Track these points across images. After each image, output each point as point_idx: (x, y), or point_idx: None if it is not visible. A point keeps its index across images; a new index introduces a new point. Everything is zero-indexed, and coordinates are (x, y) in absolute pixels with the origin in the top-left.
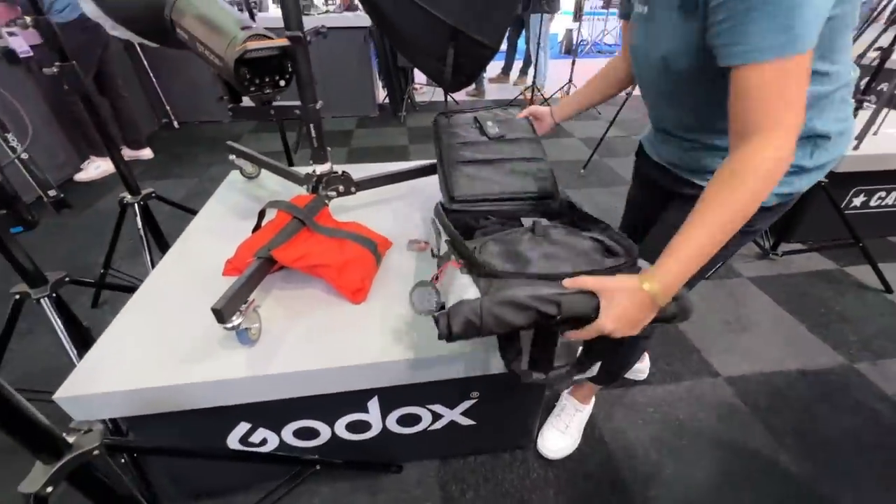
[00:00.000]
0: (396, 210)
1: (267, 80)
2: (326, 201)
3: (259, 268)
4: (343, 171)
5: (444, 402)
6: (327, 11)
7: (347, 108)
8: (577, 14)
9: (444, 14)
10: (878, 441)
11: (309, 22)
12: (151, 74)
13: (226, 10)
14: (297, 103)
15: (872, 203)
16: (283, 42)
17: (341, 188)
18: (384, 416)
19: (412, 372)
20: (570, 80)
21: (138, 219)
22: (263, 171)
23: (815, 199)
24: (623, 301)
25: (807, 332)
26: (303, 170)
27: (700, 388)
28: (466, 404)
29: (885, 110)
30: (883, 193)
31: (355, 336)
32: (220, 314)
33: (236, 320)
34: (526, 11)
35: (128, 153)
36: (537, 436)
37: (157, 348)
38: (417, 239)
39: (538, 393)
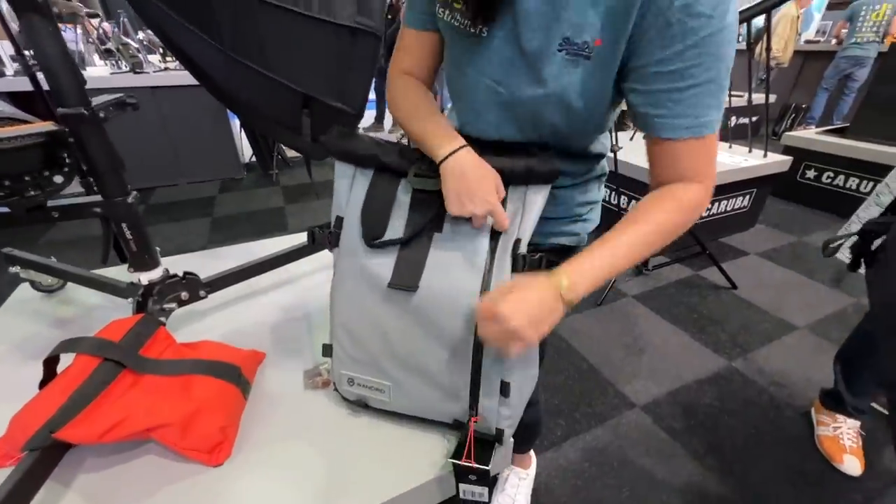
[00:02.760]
0: (268, 306)
1: (27, 179)
2: (162, 319)
3: (37, 463)
4: (185, 273)
5: None
6: (167, 69)
7: (207, 172)
8: None
9: (285, 78)
10: (770, 434)
11: (144, 81)
12: None
13: None
14: (96, 198)
15: (703, 213)
16: (46, 126)
17: (184, 296)
18: None
19: None
20: None
21: None
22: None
23: None
24: (531, 292)
25: (690, 341)
26: (126, 276)
27: (624, 425)
28: None
29: None
30: (710, 205)
31: None
32: None
33: None
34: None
35: None
36: None
37: None
38: (317, 368)
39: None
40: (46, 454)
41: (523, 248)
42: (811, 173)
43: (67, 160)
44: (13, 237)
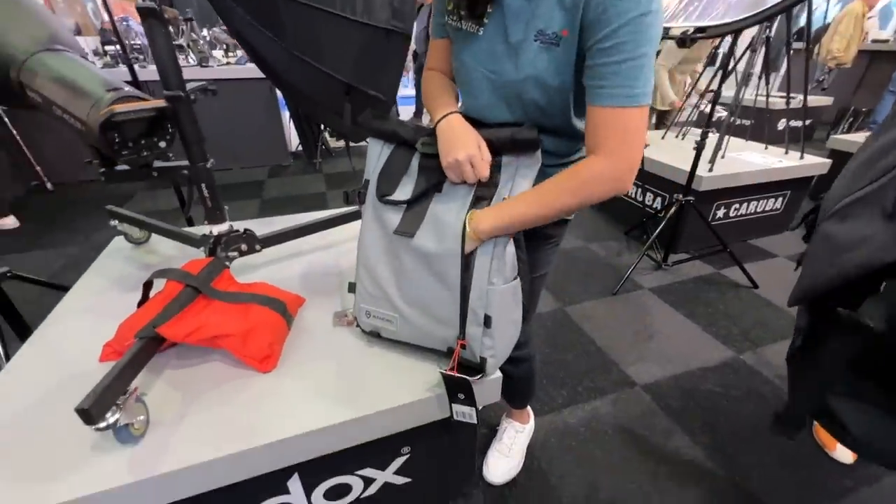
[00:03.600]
0: (309, 264)
1: (143, 142)
2: (227, 263)
3: (141, 350)
4: (245, 229)
5: (374, 465)
6: (228, 63)
7: (258, 158)
8: None
9: (332, 70)
10: (768, 421)
11: (208, 74)
12: (14, 131)
13: (88, 70)
14: (185, 163)
15: (731, 214)
16: (158, 103)
17: (243, 247)
18: (308, 493)
19: (334, 439)
20: None
21: None
22: (155, 234)
23: (688, 215)
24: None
25: (701, 332)
26: (199, 230)
27: (622, 400)
28: (399, 461)
29: (726, 137)
30: (737, 205)
31: (265, 410)
32: (88, 414)
33: (112, 417)
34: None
35: None
36: (482, 465)
37: (8, 468)
38: (344, 311)
39: (471, 436)
40: (149, 343)
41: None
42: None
43: (170, 130)
44: (98, 211)
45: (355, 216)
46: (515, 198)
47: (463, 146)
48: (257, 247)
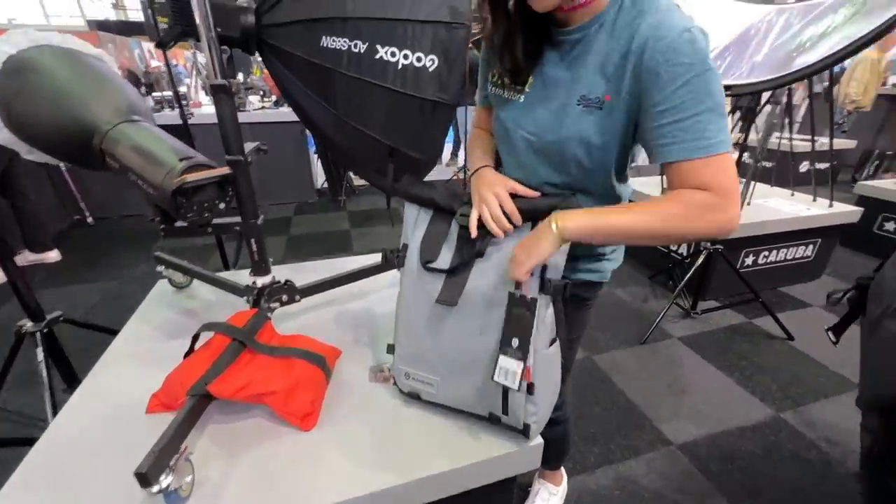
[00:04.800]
0: (343, 312)
1: (206, 205)
2: (269, 315)
3: (193, 408)
4: (286, 281)
5: None
6: (263, 108)
7: (285, 195)
8: None
9: (379, 135)
10: (816, 490)
11: (244, 118)
12: (62, 165)
13: (163, 140)
14: (237, 220)
15: (760, 261)
16: (223, 171)
17: (284, 298)
18: None
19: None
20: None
21: (39, 350)
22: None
23: (717, 262)
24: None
25: (735, 386)
26: (242, 279)
27: (658, 461)
28: None
29: (752, 183)
30: (766, 252)
31: (307, 471)
32: (145, 478)
33: (165, 480)
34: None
35: (30, 257)
36: None
37: None
38: (380, 366)
39: (507, 493)
40: (200, 400)
41: (552, 275)
42: (890, 225)
43: (230, 192)
44: (135, 246)
45: (388, 267)
46: (608, 207)
47: (490, 189)
48: (297, 297)
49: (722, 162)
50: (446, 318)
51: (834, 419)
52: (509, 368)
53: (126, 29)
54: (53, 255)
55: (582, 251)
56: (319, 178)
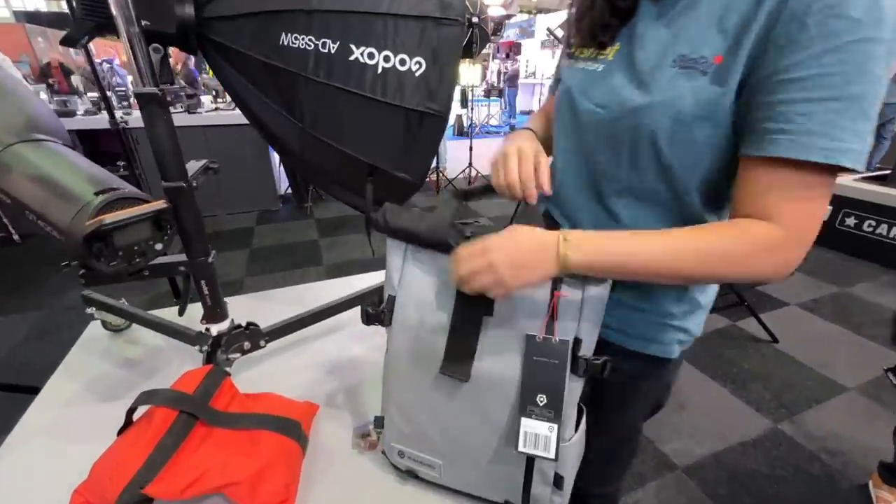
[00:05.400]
0: (316, 352)
1: (135, 248)
2: (227, 370)
3: None
4: (248, 324)
5: None
6: (217, 109)
7: (246, 204)
8: (465, 102)
9: (358, 153)
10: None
11: (196, 121)
12: None
13: (76, 169)
14: (181, 258)
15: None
16: (157, 206)
17: (247, 345)
18: None
19: None
20: (470, 164)
21: None
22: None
23: None
24: (523, 233)
25: (730, 397)
26: (195, 320)
27: (666, 489)
28: None
29: None
30: None
31: None
32: None
33: None
34: None
35: None
36: None
37: None
38: (365, 428)
39: None
40: None
41: (586, 350)
42: (851, 221)
43: (169, 230)
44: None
45: (364, 298)
46: (632, 232)
47: (513, 140)
48: (262, 343)
49: (828, 183)
50: (451, 389)
51: (829, 427)
52: (538, 432)
53: (59, 21)
54: None
55: (638, 302)
56: (283, 183)
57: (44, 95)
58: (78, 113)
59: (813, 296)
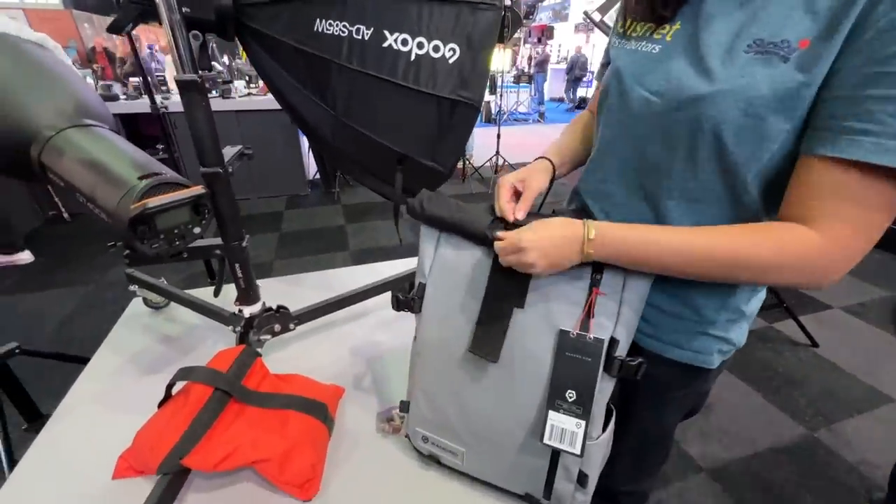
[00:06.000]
0: (343, 337)
1: (176, 231)
2: (259, 351)
3: (166, 491)
4: (279, 307)
5: None
6: (249, 94)
7: (276, 188)
8: (493, 88)
9: (389, 141)
10: None
11: (230, 106)
12: None
13: (122, 152)
14: (217, 241)
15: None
16: (196, 191)
17: (277, 328)
18: None
19: None
20: (497, 152)
21: None
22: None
23: None
24: (553, 228)
25: (763, 402)
26: (229, 300)
27: (690, 492)
28: None
29: None
30: None
31: None
32: None
33: None
34: None
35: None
36: None
37: None
38: (389, 412)
39: None
40: (175, 477)
41: (621, 351)
42: None
43: (207, 215)
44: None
45: (391, 286)
46: (658, 227)
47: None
48: (291, 325)
49: (889, 194)
50: (477, 378)
51: (870, 438)
52: (566, 427)
53: (104, 6)
54: (25, 257)
55: (676, 309)
56: (312, 169)
57: (90, 80)
58: (121, 98)
59: (860, 299)
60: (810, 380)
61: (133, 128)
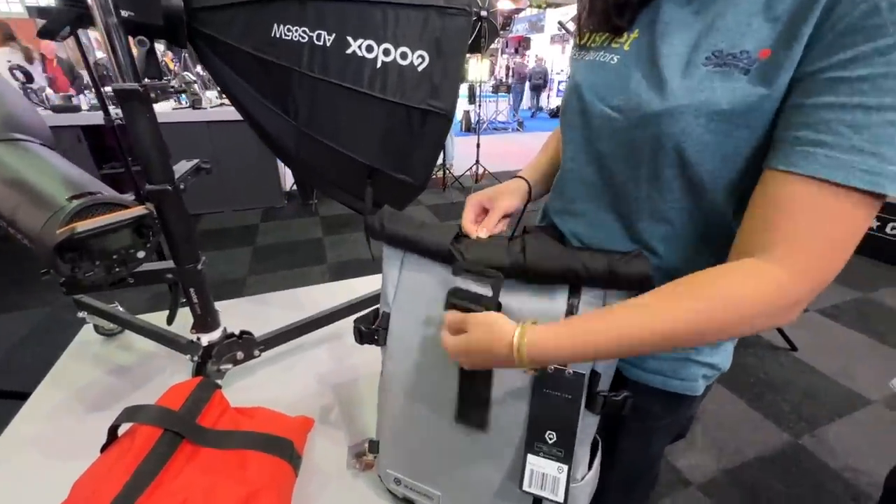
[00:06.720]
0: (311, 361)
1: (115, 257)
2: (218, 382)
3: None
4: (242, 333)
5: None
6: (222, 104)
7: (250, 200)
8: (472, 98)
9: (357, 153)
10: None
11: (201, 116)
12: None
13: (53, 171)
14: (169, 265)
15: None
16: (137, 212)
17: (240, 355)
18: None
19: None
20: (477, 161)
21: None
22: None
23: None
24: (488, 322)
25: (747, 408)
26: (188, 326)
27: None
28: None
29: None
30: None
31: None
32: None
33: None
34: None
35: None
36: None
37: None
38: (361, 446)
39: None
40: None
41: (603, 385)
42: (874, 223)
43: (151, 237)
44: None
45: (366, 304)
46: (601, 311)
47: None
48: (256, 353)
49: (865, 215)
50: (450, 416)
51: (852, 443)
52: (546, 472)
53: (32, 10)
54: None
55: None
56: (288, 180)
57: (49, 91)
58: (83, 108)
59: (834, 301)
60: (792, 384)
61: (97, 141)
